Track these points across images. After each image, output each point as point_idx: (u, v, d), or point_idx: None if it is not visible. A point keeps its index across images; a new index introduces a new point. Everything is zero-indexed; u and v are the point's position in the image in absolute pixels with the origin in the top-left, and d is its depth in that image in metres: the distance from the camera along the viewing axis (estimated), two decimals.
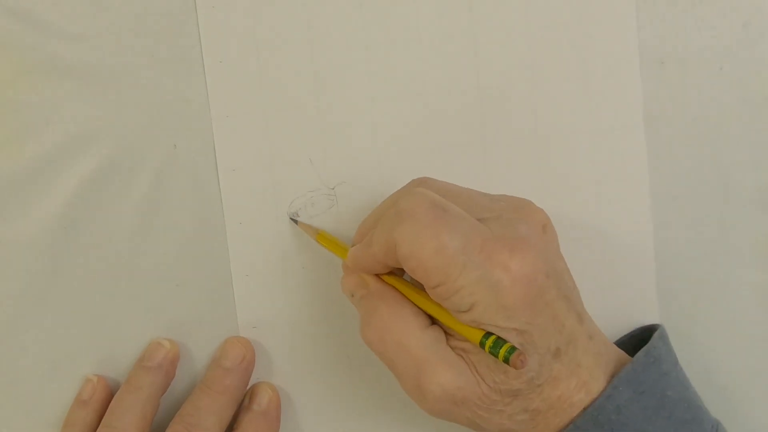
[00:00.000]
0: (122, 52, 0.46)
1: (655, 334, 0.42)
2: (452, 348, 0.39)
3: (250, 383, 0.48)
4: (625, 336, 0.47)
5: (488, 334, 0.37)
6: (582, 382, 0.39)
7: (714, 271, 0.43)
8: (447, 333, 0.40)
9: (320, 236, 0.46)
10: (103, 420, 0.45)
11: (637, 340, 0.45)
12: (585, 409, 0.39)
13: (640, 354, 0.40)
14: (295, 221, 0.47)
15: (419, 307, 0.40)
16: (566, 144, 0.47)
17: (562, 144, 0.47)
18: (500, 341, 0.37)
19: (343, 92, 0.47)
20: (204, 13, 0.46)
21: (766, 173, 0.47)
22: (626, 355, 0.42)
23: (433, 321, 0.40)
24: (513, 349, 0.36)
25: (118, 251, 0.47)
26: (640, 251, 0.47)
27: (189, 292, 0.47)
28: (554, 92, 0.47)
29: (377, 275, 0.42)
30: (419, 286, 0.41)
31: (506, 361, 0.36)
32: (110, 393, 0.47)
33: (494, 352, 0.37)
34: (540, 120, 0.47)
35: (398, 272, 0.42)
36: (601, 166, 0.47)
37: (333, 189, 0.47)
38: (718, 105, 0.47)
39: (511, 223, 0.39)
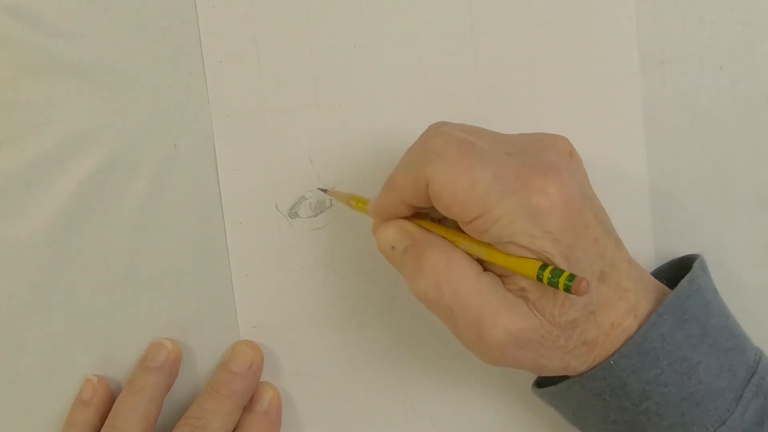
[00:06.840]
0: (122, 51, 0.46)
1: (696, 263, 0.42)
2: (510, 291, 0.39)
3: None
4: (663, 265, 0.46)
5: (544, 265, 0.36)
6: (630, 306, 0.39)
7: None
8: (501, 277, 0.39)
9: (356, 200, 0.44)
10: (106, 421, 0.45)
11: (675, 270, 0.45)
12: (630, 337, 0.39)
13: (684, 282, 0.40)
14: (324, 190, 0.46)
15: (467, 252, 0.39)
16: None
17: None
18: (558, 271, 0.36)
19: (342, 92, 0.47)
20: (204, 13, 0.46)
21: (766, 173, 0.47)
22: (663, 285, 0.42)
23: (485, 268, 0.39)
24: (573, 276, 0.35)
25: (118, 251, 0.47)
26: (640, 251, 0.47)
27: (189, 292, 0.47)
28: (554, 92, 0.47)
29: (416, 223, 0.41)
30: (454, 228, 0.39)
31: (567, 289, 0.35)
32: (111, 393, 0.47)
33: (553, 282, 0.36)
34: (540, 120, 0.47)
35: (426, 216, 0.41)
36: (601, 166, 0.47)
37: (333, 189, 0.47)
38: (718, 105, 0.47)
39: (538, 152, 0.39)
